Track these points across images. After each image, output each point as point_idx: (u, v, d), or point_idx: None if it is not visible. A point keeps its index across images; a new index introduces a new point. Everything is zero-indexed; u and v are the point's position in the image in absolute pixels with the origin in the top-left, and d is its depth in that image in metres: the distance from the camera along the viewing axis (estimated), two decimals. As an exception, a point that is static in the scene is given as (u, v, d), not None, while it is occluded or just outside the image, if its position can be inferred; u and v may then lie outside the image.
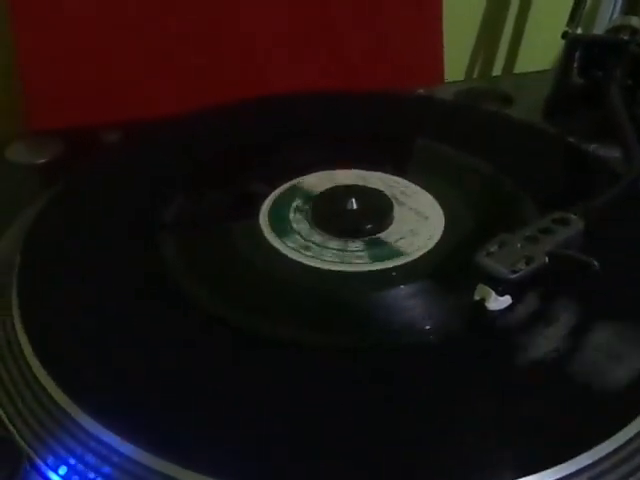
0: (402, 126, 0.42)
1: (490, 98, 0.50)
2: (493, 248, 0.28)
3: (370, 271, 0.31)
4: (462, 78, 0.63)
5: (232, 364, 0.26)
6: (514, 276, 0.27)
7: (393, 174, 0.36)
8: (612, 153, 0.42)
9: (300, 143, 0.40)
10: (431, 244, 0.32)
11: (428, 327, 0.28)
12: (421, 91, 0.51)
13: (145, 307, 0.29)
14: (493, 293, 0.28)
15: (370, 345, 0.27)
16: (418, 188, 0.35)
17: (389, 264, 0.31)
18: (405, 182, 0.36)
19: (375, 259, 0.31)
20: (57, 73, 0.47)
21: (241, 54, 0.51)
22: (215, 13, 0.50)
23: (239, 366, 0.26)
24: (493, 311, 0.28)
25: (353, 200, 0.33)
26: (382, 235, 0.32)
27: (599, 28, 0.56)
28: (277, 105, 0.43)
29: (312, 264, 0.31)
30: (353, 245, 0.32)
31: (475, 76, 0.64)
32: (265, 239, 0.32)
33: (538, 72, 0.58)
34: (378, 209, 0.34)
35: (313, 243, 0.32)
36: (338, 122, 0.42)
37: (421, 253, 0.31)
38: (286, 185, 0.36)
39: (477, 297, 0.28)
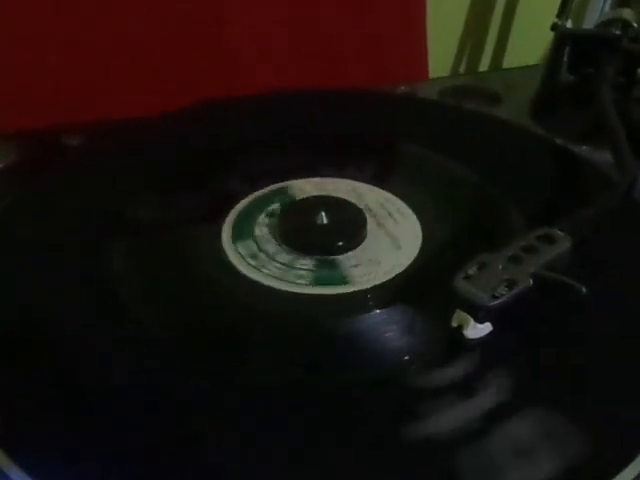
0: (384, 129, 0.39)
1: (477, 96, 0.47)
2: (472, 270, 0.26)
3: (303, 294, 0.28)
4: (447, 74, 0.60)
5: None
6: (495, 302, 0.24)
7: (382, 188, 0.34)
8: (604, 156, 0.39)
9: (285, 145, 0.37)
10: (387, 277, 0.29)
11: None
12: (403, 88, 0.48)
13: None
14: (472, 320, 0.25)
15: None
16: (410, 212, 0.33)
17: (329, 290, 0.28)
18: (400, 203, 0.33)
19: (317, 282, 0.28)
20: (14, 75, 0.44)
21: (224, 56, 0.48)
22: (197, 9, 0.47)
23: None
24: (472, 339, 0.25)
25: (323, 214, 0.31)
26: (338, 258, 0.30)
27: (590, 22, 0.54)
28: (252, 106, 0.41)
29: (251, 275, 0.28)
30: (302, 262, 0.29)
31: (461, 71, 0.62)
32: (219, 241, 0.30)
33: (527, 67, 0.55)
34: (347, 228, 0.31)
35: (264, 253, 0.30)
36: (315, 123, 0.40)
37: (369, 285, 0.28)
38: (272, 187, 0.34)
39: (455, 324, 0.26)
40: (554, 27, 0.52)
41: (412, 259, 0.29)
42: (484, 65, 0.62)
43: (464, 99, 0.48)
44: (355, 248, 0.30)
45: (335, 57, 0.52)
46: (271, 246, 0.30)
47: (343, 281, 0.28)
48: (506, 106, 0.46)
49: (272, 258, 0.29)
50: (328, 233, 0.30)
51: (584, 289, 0.24)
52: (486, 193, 0.33)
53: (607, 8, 0.55)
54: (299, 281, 0.28)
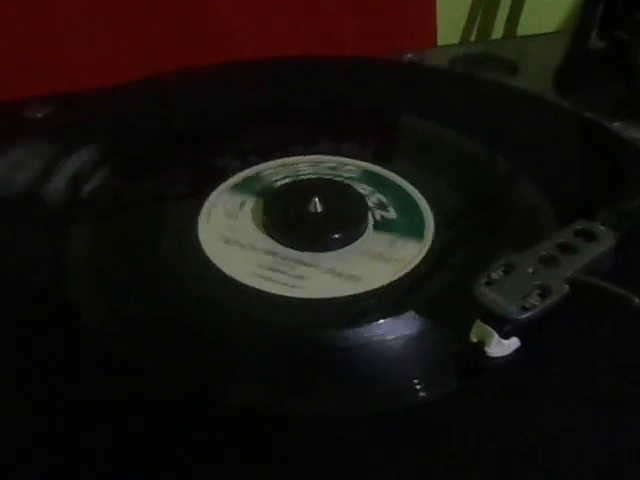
0: (386, 101, 0.34)
1: (491, 66, 0.42)
2: (496, 274, 0.21)
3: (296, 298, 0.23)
4: (457, 41, 0.55)
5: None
6: (525, 315, 0.20)
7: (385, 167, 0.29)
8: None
9: (271, 118, 0.32)
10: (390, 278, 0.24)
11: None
12: (410, 56, 0.43)
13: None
14: (496, 335, 0.21)
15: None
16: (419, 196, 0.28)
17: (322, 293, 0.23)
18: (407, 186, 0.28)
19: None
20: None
21: (209, 24, 0.43)
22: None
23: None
24: (495, 358, 0.21)
25: (316, 200, 0.26)
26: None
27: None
28: (235, 73, 0.35)
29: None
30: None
31: (472, 39, 0.56)
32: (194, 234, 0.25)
33: (546, 35, 0.50)
34: (345, 217, 0.26)
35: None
36: (312, 92, 0.35)
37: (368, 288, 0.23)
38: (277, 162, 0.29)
39: (474, 339, 0.21)
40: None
41: (420, 257, 0.25)
42: (497, 32, 0.57)
43: (477, 69, 0.43)
44: (354, 241, 0.25)
45: (334, 23, 0.47)
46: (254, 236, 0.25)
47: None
48: (524, 77, 0.42)
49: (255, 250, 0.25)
50: (322, 223, 0.26)
51: (638, 300, 0.20)
52: (507, 177, 0.28)
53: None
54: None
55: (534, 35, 0.51)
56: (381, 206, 0.27)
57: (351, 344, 0.21)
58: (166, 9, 0.42)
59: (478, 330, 0.21)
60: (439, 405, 0.20)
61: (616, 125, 0.35)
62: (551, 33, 0.50)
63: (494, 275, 0.21)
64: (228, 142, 0.31)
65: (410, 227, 0.26)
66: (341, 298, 0.23)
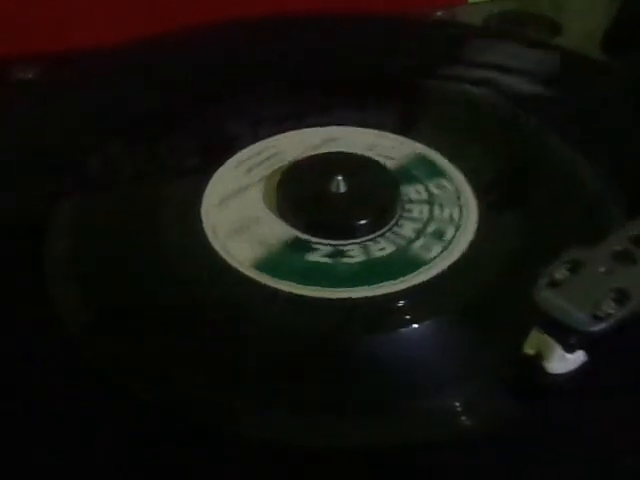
0: (413, 62, 0.30)
1: (531, 24, 0.38)
2: (560, 274, 0.17)
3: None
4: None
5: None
6: (599, 327, 0.16)
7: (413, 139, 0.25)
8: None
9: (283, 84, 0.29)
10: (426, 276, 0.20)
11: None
12: (439, 14, 0.39)
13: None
14: (559, 348, 0.17)
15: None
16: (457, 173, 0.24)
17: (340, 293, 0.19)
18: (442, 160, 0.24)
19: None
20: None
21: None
22: None
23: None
24: (557, 375, 0.17)
25: (340, 179, 0.22)
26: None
27: None
28: (240, 32, 0.31)
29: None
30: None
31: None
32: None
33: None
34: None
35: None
36: (324, 55, 0.31)
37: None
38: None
39: (530, 351, 0.18)
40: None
41: (462, 251, 0.21)
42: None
43: (515, 27, 0.38)
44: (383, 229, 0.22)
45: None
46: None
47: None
48: (568, 36, 0.37)
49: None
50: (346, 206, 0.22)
51: None
52: (561, 154, 0.24)
53: None
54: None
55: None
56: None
57: (379, 354, 0.18)
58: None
59: (535, 340, 0.17)
60: (489, 436, 0.16)
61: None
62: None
63: (558, 275, 0.17)
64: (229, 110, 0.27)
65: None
66: (370, 298, 0.19)
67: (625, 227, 0.18)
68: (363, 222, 0.21)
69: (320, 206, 0.22)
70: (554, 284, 0.17)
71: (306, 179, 0.23)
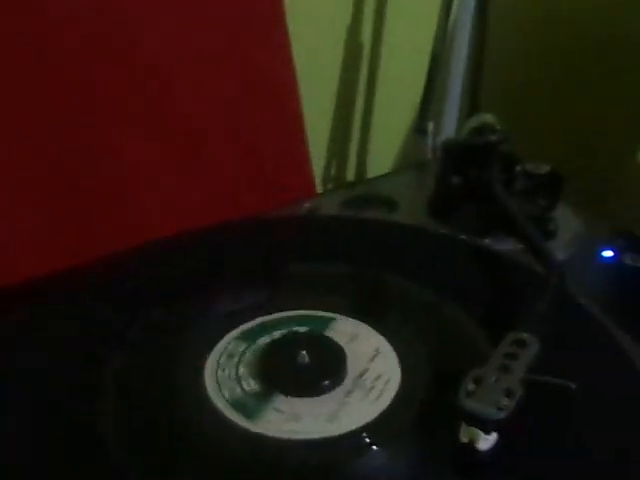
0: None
1: (374, 204, 0.51)
2: (471, 387, 0.28)
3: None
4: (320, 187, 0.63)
5: None
6: (503, 415, 0.27)
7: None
8: (505, 245, 0.44)
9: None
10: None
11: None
12: (307, 205, 0.51)
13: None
14: (482, 434, 0.27)
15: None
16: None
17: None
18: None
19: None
20: None
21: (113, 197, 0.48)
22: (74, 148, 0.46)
23: None
24: (484, 451, 0.27)
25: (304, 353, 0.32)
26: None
27: (449, 125, 0.61)
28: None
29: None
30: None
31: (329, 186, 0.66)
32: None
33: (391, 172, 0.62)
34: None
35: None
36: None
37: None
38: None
39: (464, 439, 0.28)
40: (419, 130, 0.59)
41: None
42: (350, 175, 0.67)
43: (362, 208, 0.51)
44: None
45: (226, 185, 0.53)
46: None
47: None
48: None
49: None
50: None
51: (573, 385, 0.27)
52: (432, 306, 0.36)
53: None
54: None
55: (384, 174, 0.61)
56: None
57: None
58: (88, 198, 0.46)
59: (465, 433, 0.28)
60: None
61: (487, 241, 0.45)
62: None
63: (469, 388, 0.28)
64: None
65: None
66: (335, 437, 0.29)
67: (496, 350, 0.30)
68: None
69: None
70: (468, 394, 0.27)
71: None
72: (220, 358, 0.32)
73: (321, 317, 0.35)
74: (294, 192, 0.55)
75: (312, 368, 0.31)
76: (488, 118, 0.50)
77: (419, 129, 0.59)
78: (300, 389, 0.31)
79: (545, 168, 0.47)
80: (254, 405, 0.30)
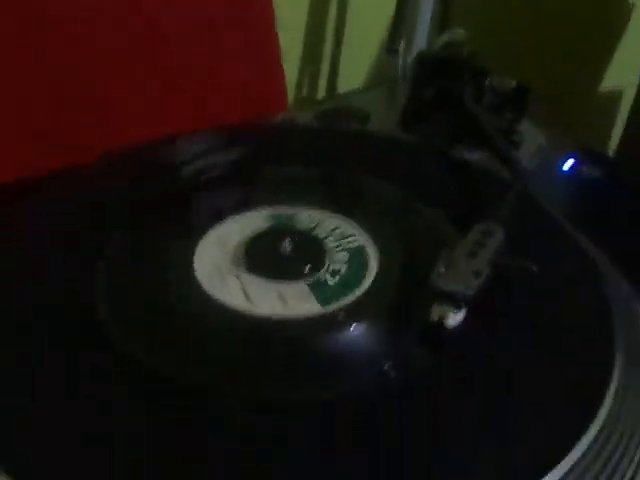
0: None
1: (347, 117, 0.52)
2: (442, 269, 0.30)
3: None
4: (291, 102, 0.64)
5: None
6: (472, 292, 0.29)
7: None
8: (474, 155, 0.46)
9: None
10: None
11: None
12: (281, 116, 0.52)
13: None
14: (451, 311, 0.30)
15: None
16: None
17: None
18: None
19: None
20: None
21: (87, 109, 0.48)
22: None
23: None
24: (453, 327, 0.30)
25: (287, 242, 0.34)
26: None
27: (420, 43, 0.62)
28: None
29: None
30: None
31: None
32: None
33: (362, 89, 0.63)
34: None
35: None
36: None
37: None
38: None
39: (435, 317, 0.30)
40: (390, 50, 0.59)
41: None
42: (321, 92, 0.68)
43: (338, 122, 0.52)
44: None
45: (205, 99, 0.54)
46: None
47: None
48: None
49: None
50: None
51: (535, 267, 0.30)
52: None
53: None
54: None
55: (354, 90, 0.63)
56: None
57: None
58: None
59: (436, 311, 0.30)
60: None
61: (456, 151, 0.47)
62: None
63: (441, 270, 0.30)
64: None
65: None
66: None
67: (466, 237, 0.32)
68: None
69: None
70: (441, 275, 0.30)
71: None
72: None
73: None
74: (269, 107, 0.56)
75: (293, 256, 0.33)
76: (459, 34, 0.52)
77: (390, 50, 0.60)
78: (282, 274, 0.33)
79: (512, 82, 0.49)
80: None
